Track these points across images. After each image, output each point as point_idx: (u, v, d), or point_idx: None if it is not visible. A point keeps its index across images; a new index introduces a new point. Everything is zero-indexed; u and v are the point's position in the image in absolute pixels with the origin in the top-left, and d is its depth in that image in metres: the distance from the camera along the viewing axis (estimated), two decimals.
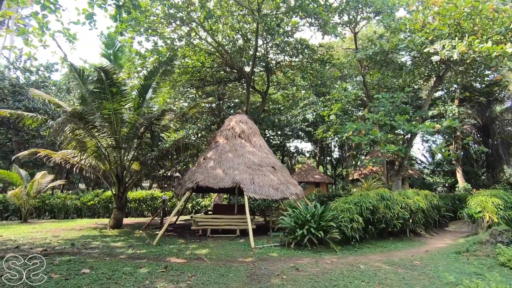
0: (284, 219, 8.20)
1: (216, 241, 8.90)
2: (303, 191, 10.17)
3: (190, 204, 18.23)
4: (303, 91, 29.73)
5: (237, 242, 8.64)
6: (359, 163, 32.57)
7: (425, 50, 10.53)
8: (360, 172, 29.26)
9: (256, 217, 11.00)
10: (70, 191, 21.14)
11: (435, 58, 9.74)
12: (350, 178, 28.77)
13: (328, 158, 39.54)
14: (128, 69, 15.40)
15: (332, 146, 40.15)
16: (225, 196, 18.79)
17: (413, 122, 13.14)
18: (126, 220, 14.77)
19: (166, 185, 24.94)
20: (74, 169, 11.55)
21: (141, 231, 10.44)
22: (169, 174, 22.69)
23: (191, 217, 9.44)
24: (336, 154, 41.68)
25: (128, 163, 11.59)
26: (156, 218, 13.79)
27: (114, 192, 11.64)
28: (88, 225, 12.50)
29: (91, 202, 16.90)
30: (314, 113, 33.08)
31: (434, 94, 21.06)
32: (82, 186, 29.14)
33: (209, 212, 12.84)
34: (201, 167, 9.94)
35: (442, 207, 12.04)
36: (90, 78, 10.50)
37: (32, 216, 16.47)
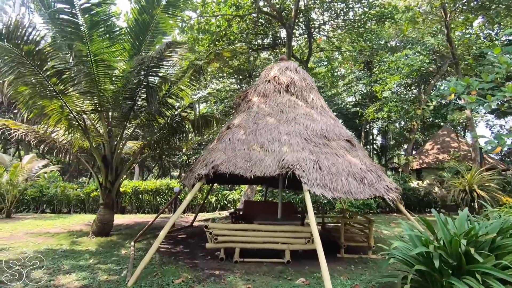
0: (398, 248, 3.84)
1: (251, 274, 4.79)
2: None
3: (214, 198, 14.36)
4: (351, 62, 24.59)
5: (292, 281, 4.45)
6: (413, 154, 26.73)
7: None
8: (421, 161, 23.79)
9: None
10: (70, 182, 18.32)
11: None
12: (411, 168, 23.35)
13: (370, 146, 34.06)
14: None
15: (374, 134, 34.66)
16: (258, 187, 14.65)
17: None
18: (130, 219, 11.23)
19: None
20: (43, 147, 8.02)
21: (133, 244, 6.63)
22: (187, 159, 19.10)
23: (205, 227, 5.36)
24: (378, 142, 36.24)
25: (119, 139, 7.80)
26: (164, 218, 10.04)
27: (101, 181, 7.97)
28: (75, 226, 9.06)
29: (95, 193, 13.66)
30: (363, 89, 27.66)
31: None
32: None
33: (237, 213, 8.75)
34: (223, 141, 5.79)
35: None
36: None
37: (28, 209, 13.66)
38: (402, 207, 5.16)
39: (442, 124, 27.57)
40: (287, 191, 15.05)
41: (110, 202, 7.77)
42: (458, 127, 27.98)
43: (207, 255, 5.93)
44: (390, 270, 5.07)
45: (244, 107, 6.61)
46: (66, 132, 7.44)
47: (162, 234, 4.67)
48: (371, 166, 5.50)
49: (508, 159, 29.28)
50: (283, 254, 5.64)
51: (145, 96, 6.98)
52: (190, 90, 9.00)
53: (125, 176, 9.81)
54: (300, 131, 5.66)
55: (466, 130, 28.31)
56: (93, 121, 7.79)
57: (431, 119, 28.14)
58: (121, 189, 13.52)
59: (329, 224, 8.26)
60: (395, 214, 14.59)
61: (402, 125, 30.06)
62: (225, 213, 13.18)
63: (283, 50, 16.05)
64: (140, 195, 13.99)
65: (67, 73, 6.57)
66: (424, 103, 21.05)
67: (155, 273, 4.71)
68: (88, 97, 6.95)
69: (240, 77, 20.32)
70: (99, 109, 7.09)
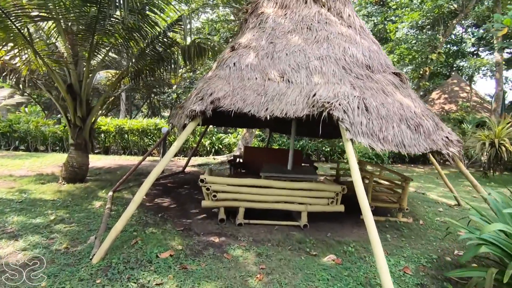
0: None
1: (261, 243, 3.66)
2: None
3: (208, 141, 13.07)
4: None
5: (319, 258, 3.34)
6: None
7: None
8: None
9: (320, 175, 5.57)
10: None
11: None
12: None
13: None
14: None
15: None
16: (258, 131, 13.33)
17: None
18: (114, 161, 9.95)
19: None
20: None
21: (110, 195, 5.41)
22: (176, 98, 17.31)
23: (201, 180, 4.04)
24: None
25: (87, 62, 5.98)
26: (153, 161, 8.81)
27: (69, 118, 6.40)
28: (47, 168, 7.73)
29: None
30: (374, 28, 24.90)
31: None
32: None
33: (236, 161, 7.52)
34: (226, 67, 4.15)
35: None
36: None
37: None
38: (463, 167, 3.89)
39: (448, 73, 25.82)
40: (286, 136, 13.81)
41: (81, 143, 6.33)
42: (463, 78, 26.27)
43: (203, 212, 4.77)
44: (432, 247, 4.03)
45: (254, 22, 4.77)
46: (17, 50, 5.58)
47: (146, 185, 3.35)
48: (425, 110, 4.06)
49: None
50: (296, 214, 4.52)
51: None
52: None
53: (103, 112, 8.19)
54: (336, 56, 4.03)
55: (473, 82, 26.67)
56: (49, 35, 5.87)
57: (435, 67, 26.23)
58: (103, 128, 12.01)
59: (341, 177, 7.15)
60: (410, 165, 13.80)
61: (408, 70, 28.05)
62: (220, 157, 12.03)
63: None
64: (126, 135, 12.55)
65: None
66: (441, 47, 19.03)
67: (134, 240, 3.52)
68: None
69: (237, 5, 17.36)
70: (48, 15, 5.11)
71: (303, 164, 7.52)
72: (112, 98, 7.81)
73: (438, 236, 4.35)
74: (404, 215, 5.10)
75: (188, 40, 7.50)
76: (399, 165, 14.11)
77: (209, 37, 16.65)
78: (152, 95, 21.35)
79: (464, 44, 24.37)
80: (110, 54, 7.25)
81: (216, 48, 8.00)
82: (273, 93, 3.66)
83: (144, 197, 5.57)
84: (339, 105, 3.26)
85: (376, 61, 4.24)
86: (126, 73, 6.78)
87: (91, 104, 6.68)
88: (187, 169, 9.12)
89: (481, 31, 11.17)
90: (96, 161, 9.61)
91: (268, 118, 3.46)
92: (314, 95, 3.46)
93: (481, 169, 12.01)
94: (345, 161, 10.97)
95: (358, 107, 3.33)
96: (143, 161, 6.23)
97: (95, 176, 7.24)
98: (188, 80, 18.22)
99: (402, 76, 4.23)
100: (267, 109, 3.54)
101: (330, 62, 3.93)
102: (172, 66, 7.90)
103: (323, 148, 13.71)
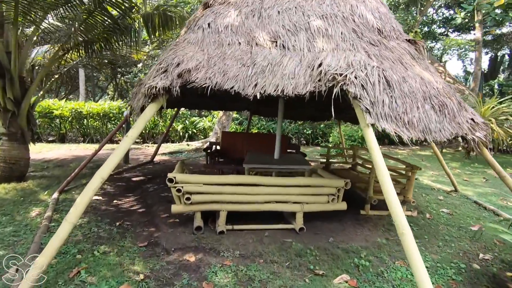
0: None
1: (251, 260, 2.84)
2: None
3: (181, 126, 11.88)
4: None
5: (328, 280, 2.58)
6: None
7: None
8: None
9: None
10: None
11: None
12: None
13: None
14: None
15: None
16: (235, 114, 12.32)
17: None
18: (69, 151, 8.56)
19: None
20: None
21: (55, 197, 4.30)
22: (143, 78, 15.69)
23: (170, 180, 3.08)
24: None
25: (13, 28, 4.60)
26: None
27: None
28: None
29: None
30: None
31: None
32: None
33: (214, 148, 6.59)
34: (198, 29, 3.10)
35: None
36: None
37: None
38: (489, 155, 3.26)
39: None
40: (266, 119, 12.95)
41: (16, 132, 5.04)
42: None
43: (174, 216, 3.83)
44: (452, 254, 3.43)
45: None
46: None
47: (89, 192, 2.34)
48: (446, 86, 3.32)
49: None
50: (289, 214, 3.74)
51: None
52: None
53: (42, 94, 6.76)
54: (343, 15, 3.14)
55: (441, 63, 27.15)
56: None
57: None
58: (56, 112, 10.40)
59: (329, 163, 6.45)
60: (390, 147, 13.56)
61: None
62: (195, 143, 10.97)
63: None
64: (85, 120, 11.02)
65: None
66: (417, 26, 18.76)
67: (75, 269, 2.54)
68: None
69: None
70: None
71: (288, 151, 6.74)
72: (56, 76, 6.41)
73: (452, 233, 3.77)
74: (408, 208, 4.50)
75: (149, 4, 6.23)
76: (380, 146, 13.87)
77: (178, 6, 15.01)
78: (118, 76, 19.37)
79: (434, 26, 24.44)
80: (52, 21, 5.82)
81: (187, 19, 6.80)
82: (264, 62, 2.72)
83: (99, 197, 4.53)
84: (355, 78, 2.40)
85: (388, 25, 3.41)
86: (71, 44, 5.44)
87: (27, 84, 5.31)
88: (157, 158, 8.03)
89: (471, 6, 10.72)
90: (47, 152, 8.18)
91: (258, 96, 2.53)
92: (320, 65, 2.57)
93: (460, 149, 12.01)
94: (331, 145, 10.36)
95: (378, 81, 2.50)
96: (99, 150, 5.09)
97: (41, 171, 5.98)
98: (156, 58, 16.57)
99: (418, 45, 3.43)
100: (256, 85, 2.60)
101: (336, 23, 3.03)
102: (133, 37, 6.63)
103: (304, 131, 13.05)
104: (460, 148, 12.17)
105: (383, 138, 14.03)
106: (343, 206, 3.69)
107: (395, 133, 2.38)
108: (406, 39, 3.45)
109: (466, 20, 18.95)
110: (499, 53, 21.89)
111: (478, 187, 6.49)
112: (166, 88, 2.59)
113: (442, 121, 2.95)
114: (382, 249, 3.24)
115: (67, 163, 6.88)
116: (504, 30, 20.37)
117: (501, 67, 21.05)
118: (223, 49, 2.87)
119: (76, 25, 5.09)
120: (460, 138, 3.14)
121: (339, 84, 2.39)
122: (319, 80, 2.48)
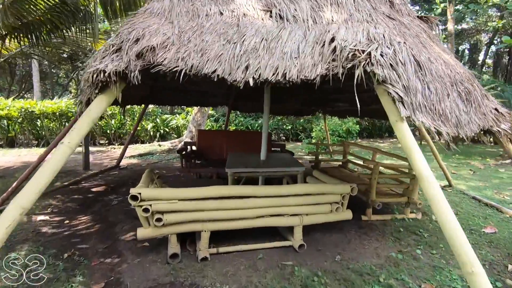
0: None
1: None
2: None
3: (151, 124, 10.85)
4: None
5: None
6: None
7: None
8: None
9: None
10: None
11: None
12: None
13: None
14: None
15: None
16: (210, 110, 11.49)
17: None
18: (17, 157, 7.33)
19: None
20: None
21: None
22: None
23: (133, 197, 2.30)
24: None
25: None
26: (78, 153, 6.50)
27: None
28: None
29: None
30: None
31: None
32: None
33: (190, 149, 5.81)
34: None
35: None
36: None
37: None
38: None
39: None
40: (243, 115, 12.23)
41: None
42: None
43: (143, 240, 3.05)
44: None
45: None
46: None
47: (11, 215, 1.54)
48: (465, 71, 2.84)
49: None
50: (285, 229, 3.11)
51: None
52: None
53: None
54: None
55: None
56: None
57: None
58: (1, 113, 9.00)
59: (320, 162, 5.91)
60: (369, 140, 13.41)
61: None
62: (167, 144, 10.02)
63: None
64: (38, 121, 9.67)
65: None
66: None
67: None
68: None
69: None
70: None
71: (272, 149, 6.14)
72: None
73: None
74: (411, 210, 4.05)
75: None
76: (359, 140, 13.70)
77: None
78: (79, 70, 17.66)
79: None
80: None
81: None
82: (256, 38, 2.03)
83: (46, 217, 3.63)
84: (381, 56, 1.79)
85: None
86: (4, 28, 4.38)
87: None
88: (124, 161, 7.09)
89: None
90: None
91: (252, 83, 1.85)
92: (333, 40, 1.93)
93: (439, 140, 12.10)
94: (313, 141, 9.89)
95: (410, 61, 1.91)
96: (45, 156, 4.13)
97: None
98: None
99: (432, 22, 2.91)
100: (247, 67, 1.91)
101: None
102: (88, 21, 5.66)
103: (284, 126, 12.53)
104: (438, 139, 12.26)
105: (362, 131, 13.87)
106: (348, 215, 3.12)
107: (435, 128, 1.81)
108: (417, 16, 2.92)
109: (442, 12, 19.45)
110: (460, 48, 22.81)
111: (468, 180, 6.28)
112: (120, 72, 1.82)
113: (469, 112, 2.45)
114: (400, 266, 2.71)
115: (13, 172, 5.76)
116: (465, 26, 21.25)
117: (461, 62, 22.08)
118: (199, 20, 2.15)
119: (6, 2, 4.04)
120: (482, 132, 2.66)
121: (361, 64, 1.77)
122: (334, 60, 1.85)
